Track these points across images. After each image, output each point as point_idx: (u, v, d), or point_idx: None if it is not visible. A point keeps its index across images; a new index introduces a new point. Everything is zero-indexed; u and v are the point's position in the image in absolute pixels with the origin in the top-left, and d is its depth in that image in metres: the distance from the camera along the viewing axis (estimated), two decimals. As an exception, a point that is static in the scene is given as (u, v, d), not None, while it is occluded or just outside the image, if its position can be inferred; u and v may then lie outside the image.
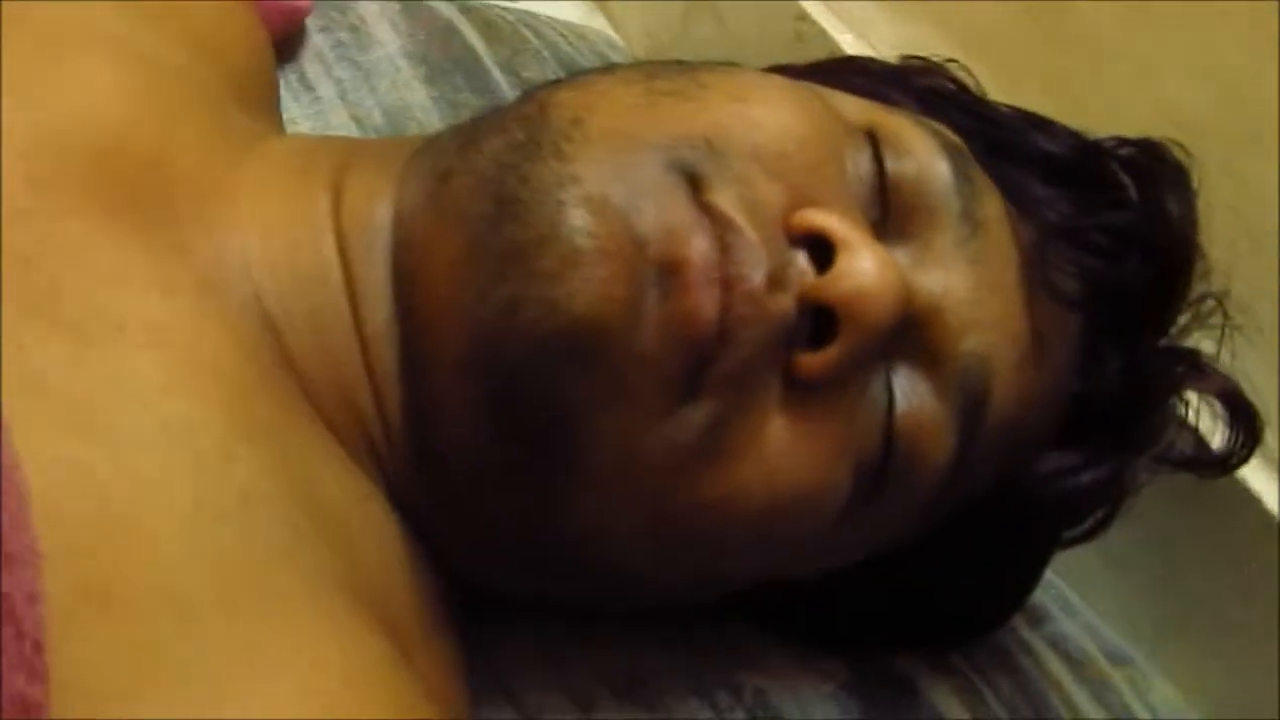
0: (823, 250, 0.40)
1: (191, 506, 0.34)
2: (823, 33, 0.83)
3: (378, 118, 0.69)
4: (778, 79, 0.46)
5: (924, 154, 0.45)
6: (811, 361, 0.40)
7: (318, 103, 0.68)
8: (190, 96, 0.45)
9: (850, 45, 0.81)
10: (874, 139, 0.44)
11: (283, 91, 0.68)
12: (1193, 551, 0.64)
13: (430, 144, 0.45)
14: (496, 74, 0.74)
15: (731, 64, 0.47)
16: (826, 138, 0.43)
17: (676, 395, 0.39)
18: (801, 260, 0.40)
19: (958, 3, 0.77)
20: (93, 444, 0.33)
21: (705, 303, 0.38)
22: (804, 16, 0.83)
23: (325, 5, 0.73)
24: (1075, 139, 0.50)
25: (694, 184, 0.40)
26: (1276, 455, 0.62)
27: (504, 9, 0.82)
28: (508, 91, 0.72)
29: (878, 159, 0.44)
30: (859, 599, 0.51)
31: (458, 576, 0.46)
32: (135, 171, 0.40)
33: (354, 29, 0.73)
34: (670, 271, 0.38)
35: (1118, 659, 0.63)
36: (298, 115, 0.67)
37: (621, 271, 0.38)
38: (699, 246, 0.38)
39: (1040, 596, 0.64)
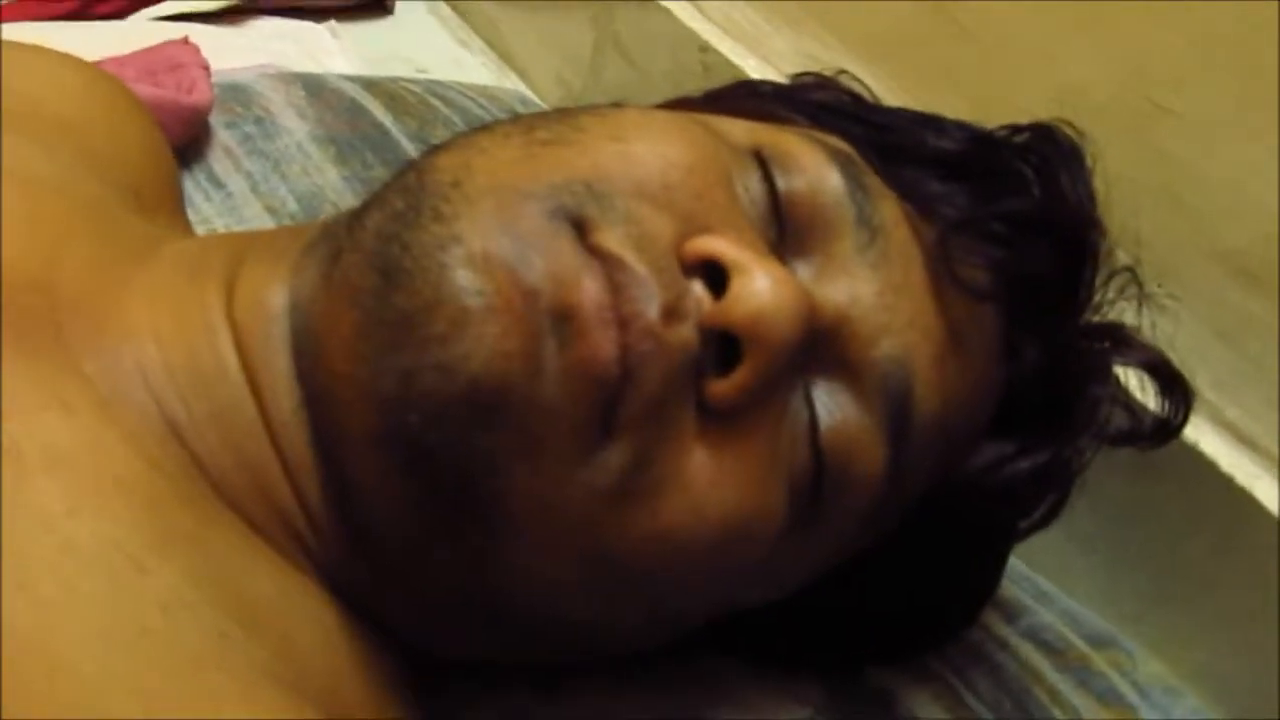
0: (718, 276, 0.40)
1: (107, 624, 0.33)
2: (726, 61, 0.83)
3: (292, 205, 0.69)
4: (659, 113, 0.46)
5: (813, 167, 0.45)
6: (721, 388, 0.40)
7: (229, 199, 0.68)
8: (79, 216, 0.45)
9: (754, 69, 0.82)
10: (762, 159, 0.44)
11: (193, 191, 0.68)
12: (1159, 523, 0.64)
13: (326, 227, 0.45)
14: (407, 146, 0.74)
15: (615, 104, 0.47)
16: (712, 164, 0.43)
17: (590, 440, 0.39)
18: (698, 289, 0.40)
19: (855, 4, 0.77)
20: None
21: (603, 344, 0.38)
22: (707, 47, 0.84)
23: (229, 100, 0.74)
24: (967, 132, 0.50)
25: (579, 228, 0.40)
26: (1228, 420, 0.63)
27: (410, 81, 0.82)
28: (420, 162, 0.72)
29: (768, 178, 0.44)
30: (821, 617, 0.51)
31: (415, 652, 0.46)
32: (20, 299, 0.40)
33: (259, 121, 0.73)
34: (564, 318, 0.38)
35: (1099, 642, 0.63)
36: (210, 214, 0.67)
37: (514, 326, 0.38)
38: (589, 289, 0.38)
39: (1015, 591, 0.64)
